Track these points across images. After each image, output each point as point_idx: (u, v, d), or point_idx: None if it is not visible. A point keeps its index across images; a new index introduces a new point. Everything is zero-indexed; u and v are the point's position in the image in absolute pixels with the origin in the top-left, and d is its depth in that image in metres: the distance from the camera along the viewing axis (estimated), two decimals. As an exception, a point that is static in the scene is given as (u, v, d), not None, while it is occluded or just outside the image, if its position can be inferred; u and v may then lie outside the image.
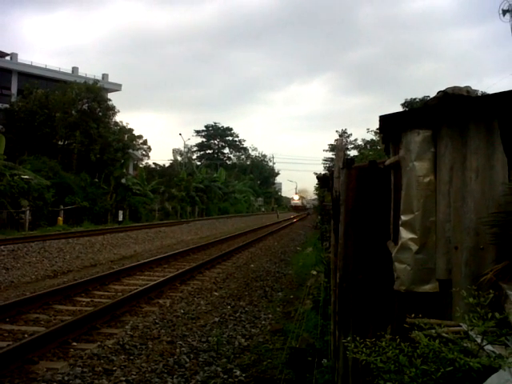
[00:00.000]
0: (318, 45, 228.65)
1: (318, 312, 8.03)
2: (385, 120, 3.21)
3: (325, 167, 62.02)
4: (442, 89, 3.06)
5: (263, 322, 8.60)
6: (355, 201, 3.96)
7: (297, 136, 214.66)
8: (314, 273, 12.30)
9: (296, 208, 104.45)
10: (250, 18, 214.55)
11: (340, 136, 59.69)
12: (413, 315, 2.43)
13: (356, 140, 57.41)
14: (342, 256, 4.10)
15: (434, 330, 2.28)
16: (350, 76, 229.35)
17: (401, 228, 3.02)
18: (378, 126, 3.34)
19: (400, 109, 29.57)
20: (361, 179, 3.98)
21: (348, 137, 61.66)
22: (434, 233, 2.92)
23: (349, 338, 2.66)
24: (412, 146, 2.98)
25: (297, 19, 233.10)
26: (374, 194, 3.88)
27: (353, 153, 47.00)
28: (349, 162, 4.49)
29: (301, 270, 13.85)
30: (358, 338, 2.44)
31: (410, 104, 35.69)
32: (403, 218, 3.01)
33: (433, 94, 3.18)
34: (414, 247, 2.93)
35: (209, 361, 6.57)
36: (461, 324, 2.37)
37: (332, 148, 61.71)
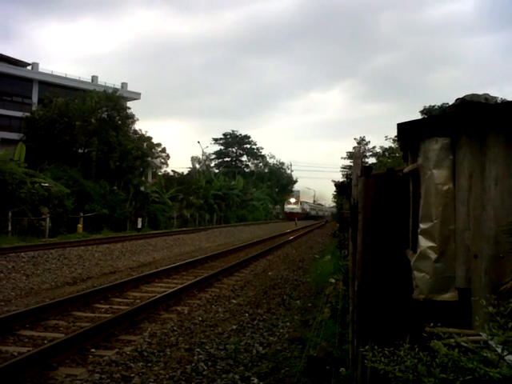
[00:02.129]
0: (337, 52, 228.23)
1: (337, 320, 7.97)
2: (403, 128, 3.20)
3: (343, 175, 61.85)
4: (462, 96, 3.04)
5: (281, 330, 8.56)
6: (373, 209, 3.95)
7: (315, 144, 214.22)
8: (333, 281, 12.24)
9: (291, 216, 76.40)
10: (270, 26, 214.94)
11: (358, 143, 59.52)
12: (432, 324, 2.41)
13: (374, 147, 57.20)
14: (360, 264, 4.08)
15: (453, 340, 2.26)
16: (369, 83, 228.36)
17: (420, 236, 3.00)
18: (396, 134, 3.33)
19: (419, 116, 29.38)
20: (379, 187, 3.96)
21: (366, 144, 61.46)
22: (453, 241, 2.90)
23: (367, 347, 2.65)
24: (430, 153, 2.96)
25: (317, 27, 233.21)
26: (393, 202, 3.86)
27: (371, 160, 46.87)
28: (367, 169, 4.48)
29: (319, 278, 13.78)
30: (376, 347, 2.43)
31: (428, 111, 35.47)
32: (422, 226, 2.99)
33: (452, 102, 3.16)
34: (433, 256, 2.91)
35: (226, 368, 6.55)
36: (480, 333, 2.34)
37: (350, 155, 61.58)
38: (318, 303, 10.56)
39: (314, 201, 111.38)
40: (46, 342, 7.35)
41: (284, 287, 12.69)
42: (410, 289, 3.07)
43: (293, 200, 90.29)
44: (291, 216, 78.06)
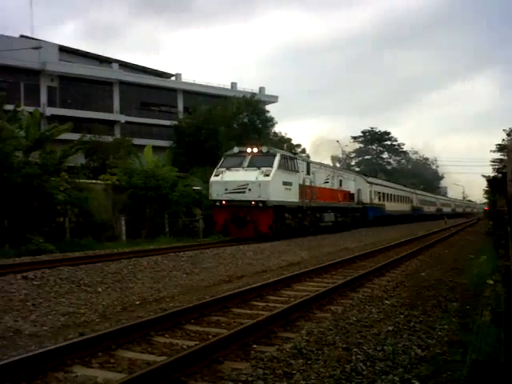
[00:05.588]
0: (482, 39, 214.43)
1: (499, 324, 7.55)
2: None
3: (494, 169, 57.90)
4: None
5: (439, 333, 8.28)
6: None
7: (461, 137, 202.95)
8: (491, 282, 11.57)
9: (238, 217, 22.43)
10: (405, 19, 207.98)
11: (508, 135, 55.38)
12: None
13: (526, 139, 52.71)
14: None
15: None
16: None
17: None
18: None
19: None
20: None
21: (517, 136, 56.97)
22: None
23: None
24: None
25: (456, 14, 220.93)
26: None
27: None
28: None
29: (476, 280, 13.07)
30: None
31: None
32: None
33: None
34: None
35: (385, 370, 6.49)
36: None
37: (500, 148, 57.43)
38: (476, 305, 10.06)
39: (464, 197, 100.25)
40: (210, 336, 7.79)
41: (438, 288, 12.21)
42: None
43: (247, 150, 23.73)
44: (230, 219, 22.72)
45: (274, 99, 70.87)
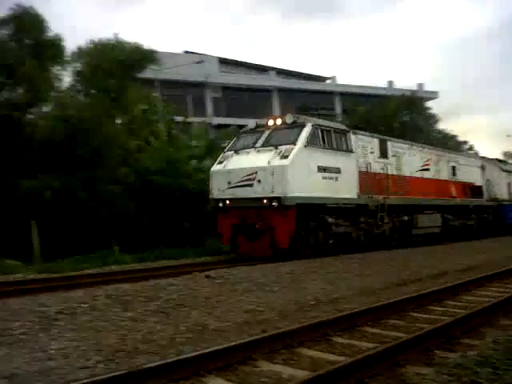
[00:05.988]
0: None
1: None
2: None
3: None
4: None
5: None
6: None
7: None
8: None
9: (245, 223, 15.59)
10: None
11: None
12: None
13: None
14: None
15: None
16: None
17: None
18: None
19: None
20: None
21: None
22: None
23: None
24: None
25: None
26: None
27: None
28: None
29: None
30: None
31: None
32: None
33: None
34: None
35: None
36: None
37: None
38: None
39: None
40: (388, 339, 7.74)
41: None
42: None
43: (268, 123, 16.85)
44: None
45: (433, 95, 68.16)
